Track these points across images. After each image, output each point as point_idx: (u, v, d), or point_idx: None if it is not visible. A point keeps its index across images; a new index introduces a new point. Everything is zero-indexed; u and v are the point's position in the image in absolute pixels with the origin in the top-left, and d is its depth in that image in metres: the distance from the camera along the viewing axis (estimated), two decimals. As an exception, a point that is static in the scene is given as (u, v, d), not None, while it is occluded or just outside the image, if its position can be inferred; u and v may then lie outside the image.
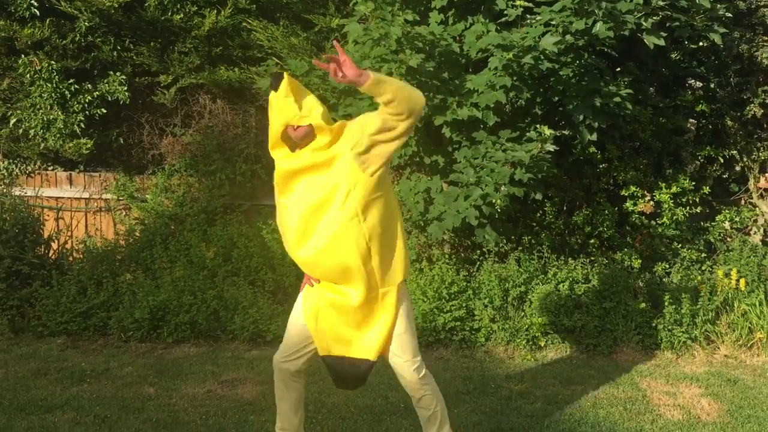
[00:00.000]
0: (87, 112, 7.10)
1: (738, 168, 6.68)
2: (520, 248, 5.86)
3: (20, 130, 7.17)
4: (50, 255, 6.12)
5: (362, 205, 2.92)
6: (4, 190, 6.48)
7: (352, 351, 3.13)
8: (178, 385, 4.47)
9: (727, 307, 5.40)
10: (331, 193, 2.93)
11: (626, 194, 6.14)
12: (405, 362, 3.12)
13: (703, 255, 6.17)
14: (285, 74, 2.99)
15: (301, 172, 3.01)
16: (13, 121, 7.17)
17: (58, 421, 3.88)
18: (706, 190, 6.33)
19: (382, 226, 2.99)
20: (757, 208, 6.60)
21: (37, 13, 6.95)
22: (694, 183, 6.22)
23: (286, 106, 2.96)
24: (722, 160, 6.57)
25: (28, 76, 7.03)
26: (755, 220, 6.57)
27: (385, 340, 3.10)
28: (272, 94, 2.99)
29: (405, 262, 3.12)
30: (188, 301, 5.39)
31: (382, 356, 3.15)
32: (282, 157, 3.04)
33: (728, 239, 6.45)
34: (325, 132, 2.96)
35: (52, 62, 6.99)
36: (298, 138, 2.99)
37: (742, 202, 6.68)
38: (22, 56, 7.05)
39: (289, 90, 2.97)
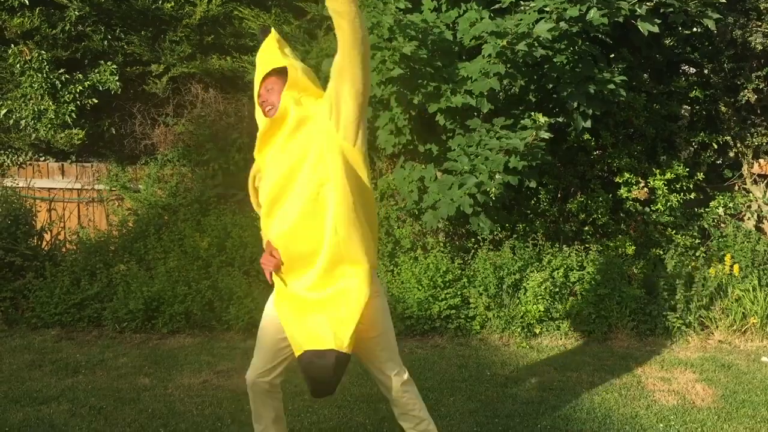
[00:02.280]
0: (78, 102, 7.05)
1: (732, 154, 6.68)
2: (514, 236, 5.86)
3: (11, 121, 7.12)
4: (43, 246, 6.10)
5: (337, 171, 2.67)
6: (-4, 182, 6.45)
7: (319, 342, 2.67)
8: (173, 375, 4.47)
9: (721, 293, 5.41)
10: (301, 158, 2.70)
11: (620, 181, 6.14)
12: (387, 367, 2.87)
13: (697, 241, 6.18)
14: (272, 29, 2.92)
15: (271, 137, 2.79)
16: (3, 111, 7.11)
17: (54, 413, 3.87)
18: (700, 176, 6.33)
19: (355, 203, 2.70)
20: (750, 194, 6.61)
21: (27, 2, 6.89)
22: (688, 169, 6.21)
23: (269, 54, 2.86)
24: (716, 146, 6.57)
25: (18, 66, 6.98)
26: (749, 206, 6.58)
27: (354, 326, 2.66)
28: (260, 49, 2.91)
29: (375, 249, 2.84)
30: (182, 291, 5.38)
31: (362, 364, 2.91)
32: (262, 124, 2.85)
33: (722, 225, 6.46)
34: (298, 87, 2.79)
35: (43, 52, 6.94)
36: (268, 91, 2.82)
37: (736, 187, 6.69)
38: (12, 46, 6.99)
39: (275, 40, 2.90)
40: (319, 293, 2.76)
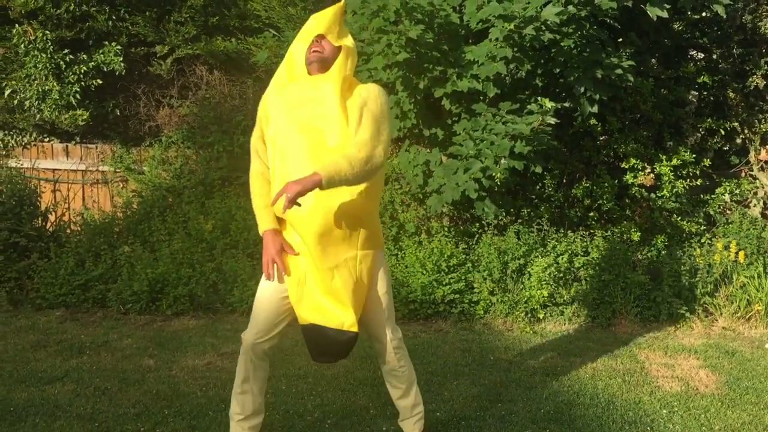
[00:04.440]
0: (82, 83, 7.03)
1: (739, 140, 6.64)
2: (519, 221, 5.85)
3: (15, 101, 7.11)
4: (47, 227, 6.10)
5: None
6: (0, 162, 6.44)
7: (331, 320, 2.91)
8: (177, 357, 4.48)
9: (726, 280, 5.40)
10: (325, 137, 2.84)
11: (626, 167, 6.11)
12: (384, 326, 3.04)
13: (703, 227, 6.16)
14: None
15: (305, 103, 2.87)
16: (7, 92, 7.10)
17: (59, 393, 3.89)
18: (707, 162, 6.30)
19: (373, 191, 2.92)
20: (757, 181, 6.58)
21: (31, -19, 6.86)
22: (694, 155, 6.19)
23: (328, 19, 2.91)
24: (723, 133, 6.54)
25: (22, 46, 6.95)
26: (755, 193, 6.56)
27: (361, 307, 2.97)
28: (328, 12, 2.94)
29: (380, 231, 3.09)
30: (187, 273, 5.39)
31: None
32: (290, 82, 2.91)
33: (728, 212, 6.43)
34: (342, 70, 2.89)
35: (47, 32, 6.91)
36: (318, 56, 2.86)
37: (743, 174, 6.65)
38: (16, 26, 6.96)
39: (341, 10, 2.96)
40: (333, 277, 2.91)
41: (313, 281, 2.92)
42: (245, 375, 3.03)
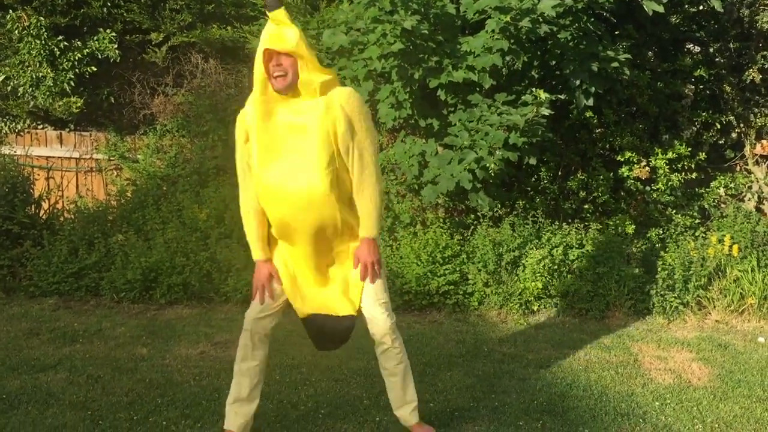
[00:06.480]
0: (77, 70, 6.99)
1: (734, 134, 6.64)
2: (514, 213, 5.85)
3: (9, 88, 7.06)
4: (41, 215, 6.08)
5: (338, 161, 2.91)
6: (-6, 149, 6.42)
7: (331, 308, 3.08)
8: (171, 346, 4.48)
9: (720, 273, 5.41)
10: (310, 141, 2.89)
11: (622, 159, 6.11)
12: (379, 306, 3.06)
13: (697, 221, 6.17)
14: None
15: (280, 122, 2.95)
16: (1, 78, 7.06)
17: (51, 381, 3.88)
18: (702, 156, 6.30)
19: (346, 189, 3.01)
20: (752, 175, 6.59)
21: (25, -33, 6.81)
22: (690, 149, 6.19)
23: (274, 33, 2.90)
24: (719, 126, 6.54)
25: (16, 32, 6.90)
26: (750, 187, 6.57)
27: (361, 292, 3.06)
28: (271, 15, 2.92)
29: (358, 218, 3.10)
30: (181, 262, 5.37)
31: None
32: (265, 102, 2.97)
33: (722, 205, 6.45)
34: (310, 70, 2.88)
35: (41, 18, 6.86)
36: (282, 83, 2.88)
37: (738, 168, 6.66)
38: (10, 11, 6.91)
39: (285, 16, 2.94)
40: (328, 270, 3.12)
41: (306, 278, 3.08)
42: (244, 353, 3.10)
